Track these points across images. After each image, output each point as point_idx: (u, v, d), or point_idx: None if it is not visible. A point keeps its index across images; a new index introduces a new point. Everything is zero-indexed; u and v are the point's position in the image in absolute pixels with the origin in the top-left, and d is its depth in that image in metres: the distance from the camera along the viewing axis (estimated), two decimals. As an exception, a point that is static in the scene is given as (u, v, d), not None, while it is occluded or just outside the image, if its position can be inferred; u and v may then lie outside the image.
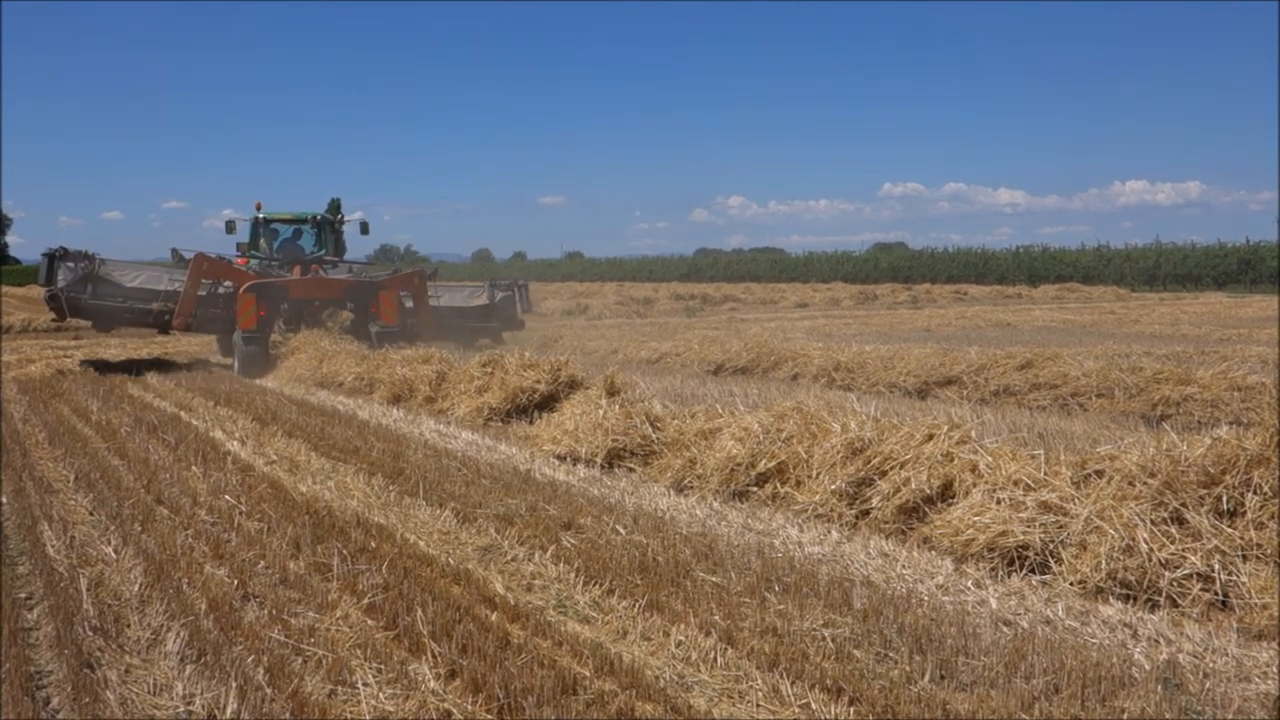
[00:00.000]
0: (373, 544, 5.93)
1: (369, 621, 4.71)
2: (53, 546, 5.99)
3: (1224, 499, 5.07)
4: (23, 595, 5.21)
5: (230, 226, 19.58)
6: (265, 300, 15.82)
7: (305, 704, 3.86)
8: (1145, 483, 5.21)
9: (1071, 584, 4.99)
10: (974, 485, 5.89)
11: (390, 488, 7.38)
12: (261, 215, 19.72)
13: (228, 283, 16.48)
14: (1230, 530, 4.91)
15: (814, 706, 3.79)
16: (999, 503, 5.62)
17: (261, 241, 19.54)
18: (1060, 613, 4.71)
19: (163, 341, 21.69)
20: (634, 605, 4.86)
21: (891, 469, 6.36)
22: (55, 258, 15.93)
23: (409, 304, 17.22)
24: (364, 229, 20.82)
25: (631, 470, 7.87)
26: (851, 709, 3.78)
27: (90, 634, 4.55)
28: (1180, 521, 5.03)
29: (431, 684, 4.01)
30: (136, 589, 5.17)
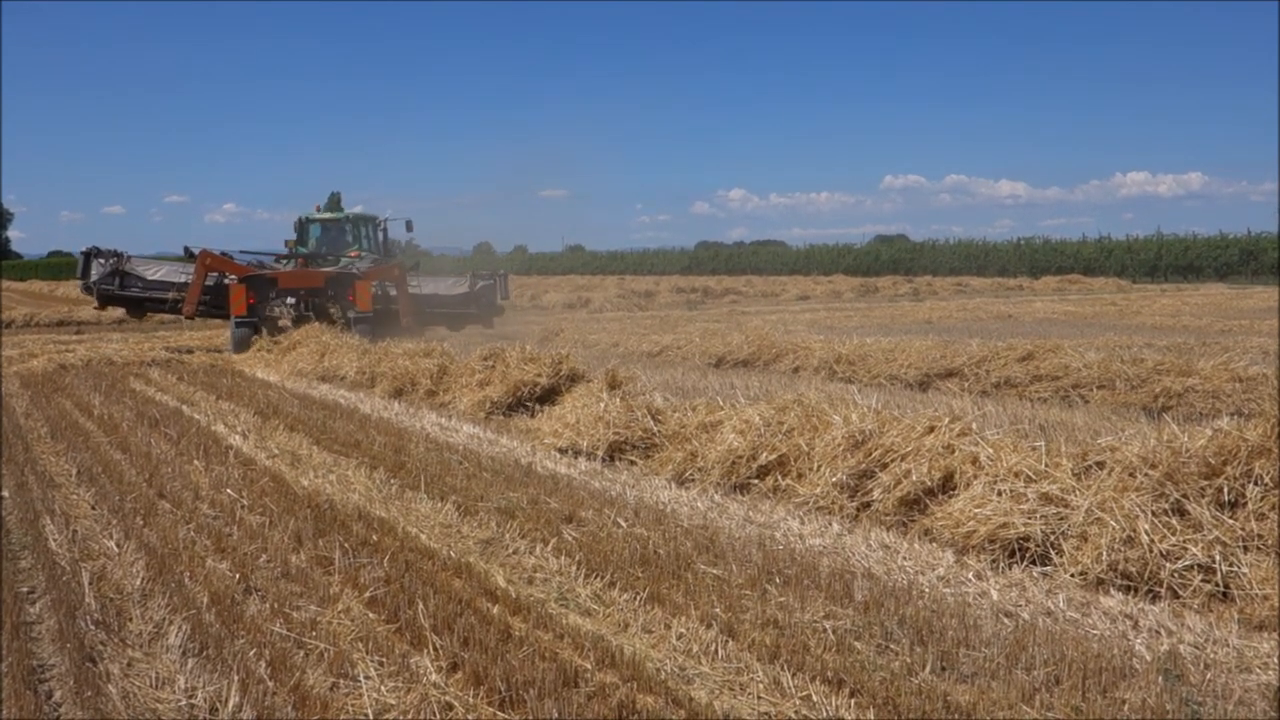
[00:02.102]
0: (374, 537, 5.94)
1: (370, 615, 4.72)
2: (55, 541, 6.00)
3: (1225, 490, 5.06)
4: (25, 589, 5.22)
5: (299, 225, 22.42)
6: (254, 290, 17.79)
7: (307, 697, 3.87)
8: (1146, 474, 5.21)
9: (1072, 575, 5.00)
10: (975, 477, 5.90)
11: (392, 481, 7.39)
12: (317, 215, 22.10)
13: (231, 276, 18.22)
14: (1231, 521, 4.91)
15: (815, 698, 3.79)
16: (1000, 494, 5.62)
17: (320, 239, 21.87)
18: (1061, 604, 4.72)
19: (165, 337, 21.79)
20: (635, 598, 4.86)
21: (892, 461, 6.36)
22: (90, 255, 18.60)
23: (393, 292, 18.89)
24: (409, 227, 23.68)
25: (633, 463, 7.87)
26: (852, 701, 3.79)
27: (92, 628, 4.56)
28: (1181, 513, 5.03)
29: (433, 677, 4.01)
30: (138, 583, 5.17)
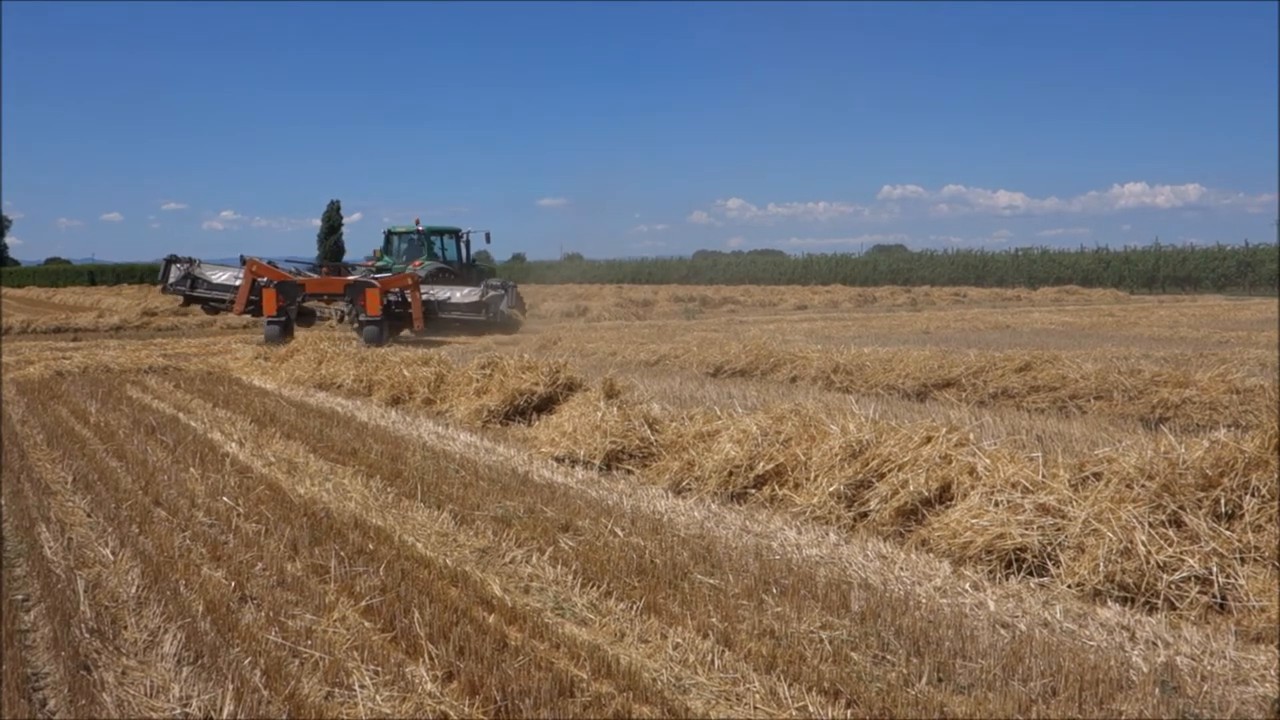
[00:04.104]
0: (370, 546, 5.93)
1: (366, 623, 4.71)
2: (50, 548, 5.99)
3: (1222, 502, 5.06)
4: (20, 597, 5.20)
5: (386, 237, 26.17)
6: (283, 294, 20.51)
7: (302, 706, 3.86)
8: (1143, 485, 5.21)
9: (1069, 586, 4.99)
10: (972, 488, 5.89)
11: (388, 489, 7.38)
12: (399, 228, 25.07)
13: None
14: (1228, 533, 4.91)
15: (811, 709, 3.79)
16: (997, 505, 5.62)
17: (402, 251, 25.09)
18: (1058, 615, 4.71)
19: (162, 344, 21.83)
20: (632, 607, 4.85)
21: (890, 471, 6.36)
22: (170, 261, 21.98)
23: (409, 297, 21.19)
24: (487, 238, 27.23)
25: (630, 472, 7.87)
26: (849, 711, 3.78)
27: (87, 636, 4.55)
28: (1178, 524, 5.03)
29: (429, 686, 4.00)
30: (134, 591, 5.16)
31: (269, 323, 20.39)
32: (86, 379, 14.85)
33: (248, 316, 25.18)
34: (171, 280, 21.99)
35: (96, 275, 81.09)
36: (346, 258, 79.14)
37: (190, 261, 21.97)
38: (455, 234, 25.20)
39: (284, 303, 20.45)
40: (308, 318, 23.08)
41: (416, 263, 23.91)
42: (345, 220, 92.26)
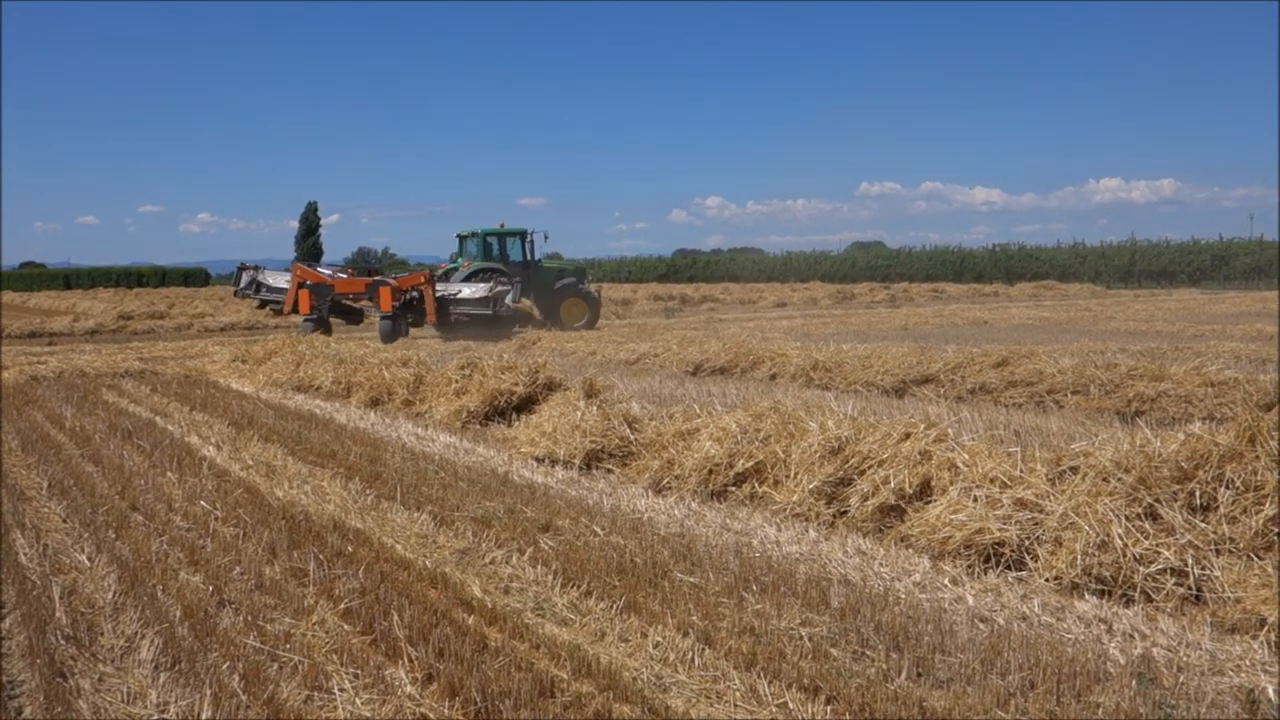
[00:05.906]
0: (349, 548, 5.90)
1: (345, 626, 4.69)
2: (25, 555, 5.94)
3: (1197, 494, 5.11)
4: (-6, 604, 5.15)
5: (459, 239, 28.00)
6: (316, 295, 23.21)
7: (281, 710, 3.84)
8: (1119, 479, 5.25)
9: (1047, 580, 5.02)
10: (951, 483, 5.92)
11: (367, 491, 7.35)
12: (466, 231, 26.43)
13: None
14: (1203, 525, 4.95)
15: (791, 706, 3.79)
16: (975, 500, 5.65)
17: (471, 252, 26.38)
18: (1036, 609, 4.74)
19: (139, 348, 21.64)
20: (612, 606, 4.85)
21: (869, 468, 6.38)
22: (241, 268, 25.88)
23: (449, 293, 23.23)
24: (544, 237, 27.60)
25: (610, 471, 7.86)
26: (829, 708, 3.79)
27: (63, 643, 4.51)
28: (1154, 517, 5.07)
29: (408, 688, 3.99)
30: (110, 596, 5.12)
31: (305, 320, 23.09)
32: (62, 383, 14.72)
33: (226, 319, 29.25)
34: (242, 285, 25.41)
35: (72, 279, 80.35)
36: (325, 258, 78.79)
37: (255, 268, 25.59)
38: (521, 235, 26.15)
39: (316, 301, 23.24)
40: (355, 315, 25.93)
41: (466, 263, 25.54)
42: (323, 221, 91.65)
